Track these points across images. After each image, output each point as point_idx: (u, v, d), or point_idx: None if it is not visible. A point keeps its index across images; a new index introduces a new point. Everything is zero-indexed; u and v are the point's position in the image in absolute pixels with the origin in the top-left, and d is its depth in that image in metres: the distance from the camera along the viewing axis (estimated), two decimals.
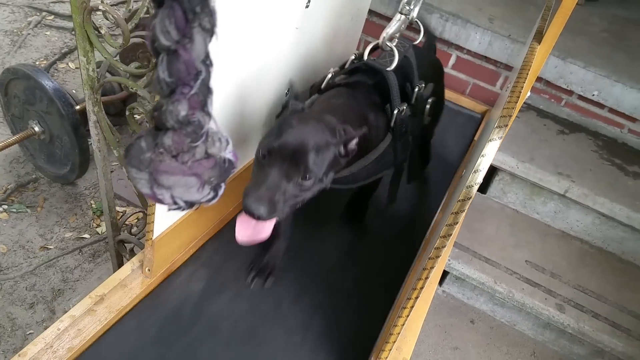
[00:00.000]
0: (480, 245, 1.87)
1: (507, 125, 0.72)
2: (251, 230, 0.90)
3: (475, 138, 1.89)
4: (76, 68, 2.53)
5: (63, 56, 2.54)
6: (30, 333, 1.58)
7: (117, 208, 1.93)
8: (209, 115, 0.54)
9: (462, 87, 2.32)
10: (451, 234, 0.75)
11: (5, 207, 1.89)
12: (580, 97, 2.15)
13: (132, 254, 1.54)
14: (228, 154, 0.59)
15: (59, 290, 1.68)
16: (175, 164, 0.55)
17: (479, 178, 0.72)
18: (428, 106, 1.21)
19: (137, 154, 0.55)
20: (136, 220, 1.93)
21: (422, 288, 0.82)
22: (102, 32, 1.05)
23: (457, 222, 0.74)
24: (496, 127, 0.72)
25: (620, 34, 2.40)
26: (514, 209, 2.06)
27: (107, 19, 1.06)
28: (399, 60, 1.09)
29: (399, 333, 0.88)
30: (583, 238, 2.00)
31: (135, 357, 0.96)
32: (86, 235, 1.85)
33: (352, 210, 1.41)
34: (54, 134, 1.89)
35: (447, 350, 1.74)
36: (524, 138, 2.03)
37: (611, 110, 2.12)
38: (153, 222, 1.00)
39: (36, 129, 1.88)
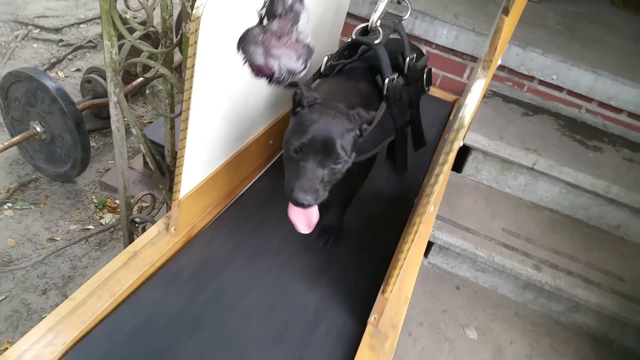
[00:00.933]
0: (459, 217, 2.03)
1: (489, 67, 0.88)
2: (305, 220, 1.04)
3: (450, 118, 2.06)
4: (65, 77, 2.63)
5: (52, 66, 2.63)
6: (45, 316, 1.66)
7: (118, 201, 2.04)
8: (303, 5, 0.69)
9: (433, 80, 2.50)
10: (448, 161, 0.90)
11: (10, 205, 1.97)
12: (541, 82, 2.35)
13: (144, 231, 1.65)
14: (309, 41, 0.76)
15: (69, 277, 1.76)
16: (280, 43, 0.70)
17: (468, 110, 0.87)
18: (425, 75, 1.36)
19: (252, 37, 0.71)
20: (139, 209, 2.03)
21: (424, 214, 0.97)
22: (127, 17, 1.17)
23: (453, 150, 0.89)
24: (481, 68, 0.87)
25: (572, 27, 2.64)
26: (487, 185, 2.23)
27: (128, 7, 1.18)
28: (387, 35, 1.24)
29: (405, 258, 1.02)
30: (552, 207, 2.19)
31: (169, 300, 1.07)
32: (91, 227, 1.94)
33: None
34: (55, 133, 1.98)
35: (437, 313, 1.89)
36: (492, 120, 2.22)
37: (569, 93, 2.33)
38: (180, 182, 1.12)
39: (37, 129, 1.97)
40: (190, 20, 1.12)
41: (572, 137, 2.25)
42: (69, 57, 2.73)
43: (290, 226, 1.20)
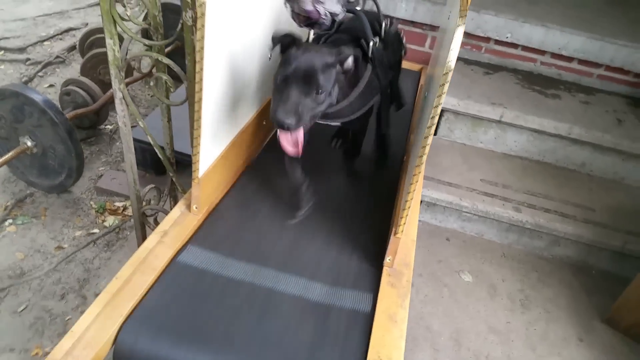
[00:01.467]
0: (441, 173, 2.19)
1: (465, 15, 1.01)
2: (292, 140, 1.12)
3: (422, 83, 2.21)
4: None
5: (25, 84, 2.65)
6: (68, 319, 1.73)
7: (117, 203, 2.11)
8: None
9: None
10: (440, 104, 1.03)
11: (11, 221, 2.01)
12: (497, 42, 2.52)
13: (156, 223, 1.73)
14: None
15: (84, 279, 1.83)
16: None
17: (453, 55, 1.00)
18: (403, 38, 1.49)
19: None
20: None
21: (423, 155, 1.09)
22: (128, 13, 1.25)
23: (444, 92, 1.02)
24: (459, 17, 1.00)
25: None
26: (461, 142, 2.39)
27: (124, 6, 1.25)
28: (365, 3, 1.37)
29: (412, 199, 1.15)
30: (522, 155, 2.37)
31: (207, 263, 1.17)
32: (96, 230, 2.00)
33: (348, 154, 1.67)
34: (46, 145, 2.03)
35: (433, 264, 2.03)
36: (458, 82, 2.37)
37: (524, 48, 2.51)
38: (198, 161, 1.22)
39: (29, 143, 2.02)
40: (189, 9, 1.22)
41: (531, 88, 2.43)
42: (40, 74, 2.75)
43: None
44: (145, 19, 1.30)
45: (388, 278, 1.23)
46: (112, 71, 1.32)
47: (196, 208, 1.30)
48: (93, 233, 2.00)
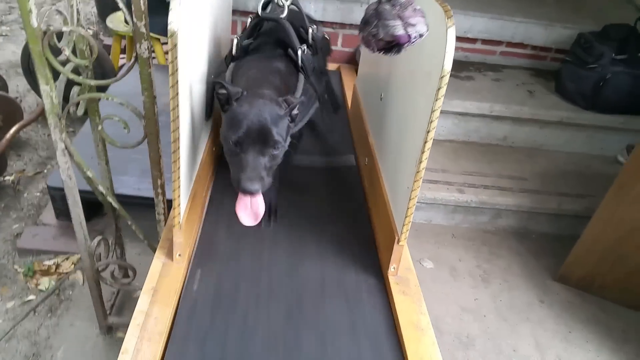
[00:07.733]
0: None
1: (452, 15, 1.00)
2: (251, 212, 1.07)
3: (342, 84, 2.19)
4: None
5: None
6: None
7: (46, 262, 1.88)
8: None
9: None
10: (439, 109, 1.02)
11: None
12: None
13: (113, 277, 1.55)
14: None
15: (33, 354, 1.60)
16: (410, 12, 0.76)
17: (448, 59, 0.98)
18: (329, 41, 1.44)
19: (387, 13, 0.76)
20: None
21: (423, 161, 1.08)
22: (67, 53, 1.09)
23: (441, 96, 1.01)
24: (447, 18, 0.99)
25: None
26: None
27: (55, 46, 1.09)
28: (288, 9, 1.30)
29: (414, 205, 1.13)
30: (450, 138, 2.46)
31: (212, 313, 1.07)
32: (31, 297, 1.76)
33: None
34: None
35: None
36: None
37: None
38: (179, 205, 1.10)
39: None
40: (144, 40, 1.10)
41: None
42: None
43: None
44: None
45: (397, 287, 1.20)
46: (51, 120, 1.14)
47: (179, 256, 1.18)
48: (29, 301, 1.75)
